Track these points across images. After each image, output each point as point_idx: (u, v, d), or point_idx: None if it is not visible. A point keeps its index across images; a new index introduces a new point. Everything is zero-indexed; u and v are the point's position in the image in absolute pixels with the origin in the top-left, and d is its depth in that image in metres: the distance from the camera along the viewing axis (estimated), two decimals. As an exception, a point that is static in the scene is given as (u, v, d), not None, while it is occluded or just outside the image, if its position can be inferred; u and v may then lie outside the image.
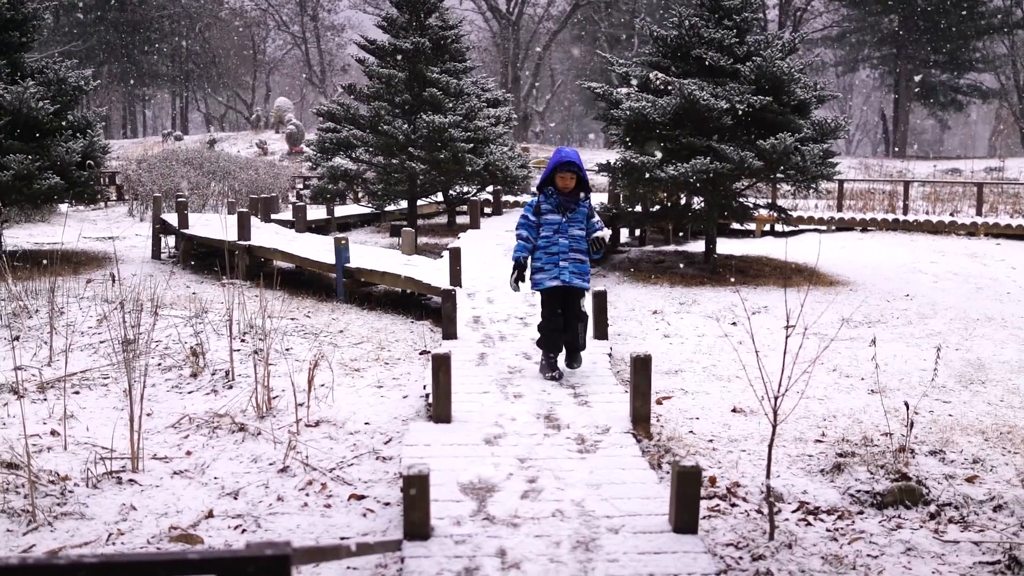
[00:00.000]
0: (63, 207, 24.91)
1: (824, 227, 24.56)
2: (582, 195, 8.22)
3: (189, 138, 56.39)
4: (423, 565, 4.57)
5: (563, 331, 8.22)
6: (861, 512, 6.02)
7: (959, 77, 62.06)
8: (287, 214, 22.90)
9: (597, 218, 8.27)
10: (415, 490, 4.76)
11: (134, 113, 78.70)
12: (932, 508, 6.06)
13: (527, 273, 8.28)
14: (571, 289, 8.17)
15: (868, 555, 5.33)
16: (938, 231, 23.73)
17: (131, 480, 6.52)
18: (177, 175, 30.46)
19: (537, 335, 8.60)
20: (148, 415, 7.90)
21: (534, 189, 9.87)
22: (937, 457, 7.01)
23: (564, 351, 8.34)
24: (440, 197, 24.11)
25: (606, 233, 8.37)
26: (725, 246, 19.90)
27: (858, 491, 6.26)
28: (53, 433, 7.41)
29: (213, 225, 18.12)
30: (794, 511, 6.00)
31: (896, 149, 59.87)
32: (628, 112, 15.88)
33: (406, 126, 20.26)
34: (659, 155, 15.79)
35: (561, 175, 8.07)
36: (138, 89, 72.13)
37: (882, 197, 29.68)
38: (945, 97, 62.46)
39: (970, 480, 6.56)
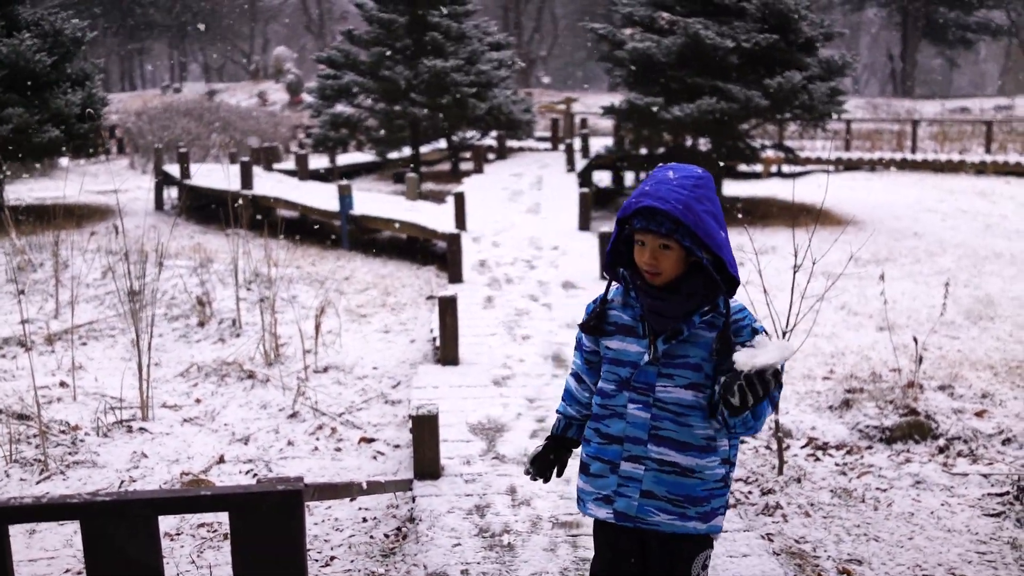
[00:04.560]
0: (64, 161, 24.75)
1: (832, 167, 24.38)
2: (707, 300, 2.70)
3: (188, 90, 55.92)
4: (434, 503, 4.59)
5: None
6: (870, 447, 6.02)
7: (968, 14, 61.11)
8: (289, 163, 22.76)
9: (757, 340, 2.54)
10: (425, 430, 4.77)
11: (132, 66, 78.06)
12: (941, 442, 6.06)
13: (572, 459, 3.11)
14: (646, 534, 2.78)
15: (877, 488, 5.34)
16: (947, 170, 23.53)
17: (141, 428, 6.54)
18: (177, 127, 30.27)
19: None
20: (156, 364, 7.91)
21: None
22: (946, 392, 7.00)
23: None
24: (443, 143, 23.95)
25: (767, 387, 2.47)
26: (732, 188, 19.77)
27: (867, 426, 6.26)
28: (62, 384, 7.44)
29: (215, 175, 18.03)
30: (803, 447, 6.00)
31: (904, 89, 59.25)
32: (632, 53, 15.69)
33: (407, 71, 20.06)
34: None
35: (641, 236, 2.63)
36: (135, 42, 71.46)
37: (890, 137, 29.41)
38: (954, 35, 61.55)
39: (979, 414, 6.56)
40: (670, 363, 2.62)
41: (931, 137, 29.63)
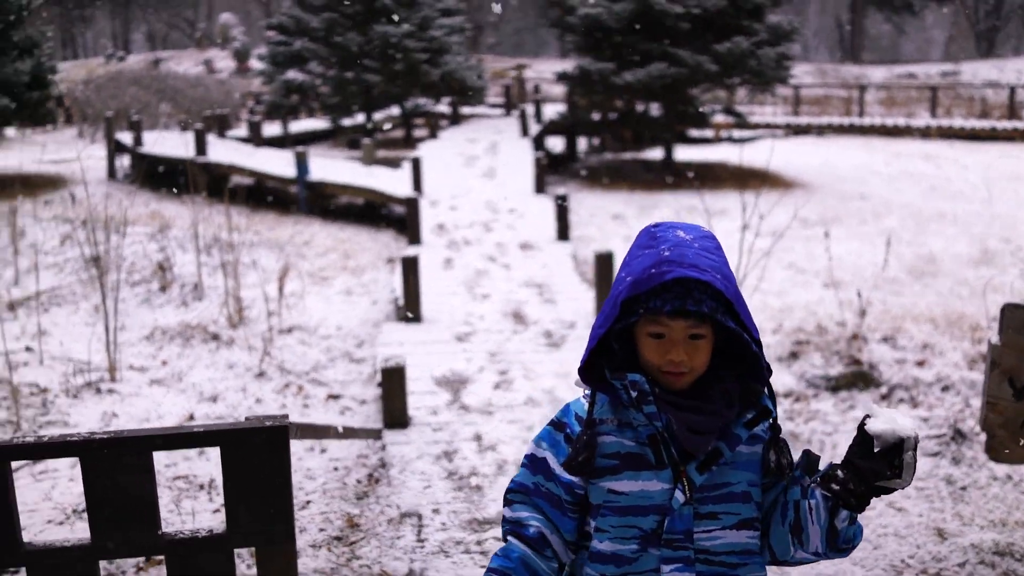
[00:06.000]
0: (10, 131, 24.42)
1: (781, 132, 24.77)
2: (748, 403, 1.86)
3: (132, 58, 54.98)
4: (404, 450, 4.80)
5: None
6: (816, 395, 6.32)
7: (914, -20, 61.80)
8: (241, 131, 22.66)
9: (871, 408, 1.74)
10: (394, 382, 4.96)
11: (73, 34, 76.54)
12: (884, 390, 6.38)
13: None
14: None
15: (823, 432, 5.64)
16: (893, 134, 24.02)
17: (110, 390, 6.66)
18: (126, 95, 29.90)
19: None
20: (121, 328, 8.00)
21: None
22: (889, 344, 7.33)
23: None
24: (396, 110, 23.96)
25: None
26: (683, 152, 20.06)
27: (813, 376, 6.56)
28: (28, 349, 7.50)
29: (169, 143, 17.92)
30: (753, 395, 6.28)
31: (852, 55, 59.94)
32: (583, 18, 15.84)
33: (359, 37, 20.03)
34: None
35: (661, 325, 1.78)
36: (76, 9, 69.98)
37: (839, 102, 29.88)
38: (900, 1, 62.32)
39: (920, 364, 6.89)
40: (709, 497, 1.82)
41: (879, 102, 30.15)
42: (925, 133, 23.75)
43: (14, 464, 2.87)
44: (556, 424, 1.91)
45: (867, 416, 1.71)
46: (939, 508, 4.60)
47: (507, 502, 1.96)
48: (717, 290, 1.73)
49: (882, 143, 22.69)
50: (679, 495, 1.79)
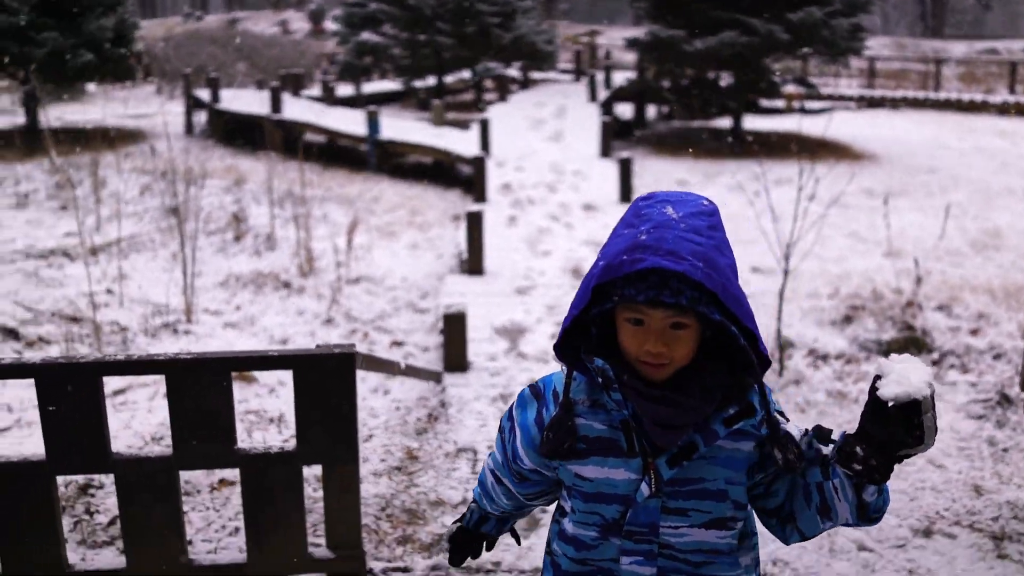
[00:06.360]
0: (91, 86, 25.13)
1: (854, 104, 24.45)
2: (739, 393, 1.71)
3: (210, 18, 55.84)
4: (462, 392, 5.06)
5: None
6: (867, 357, 6.44)
7: (1001, -49, 59.93)
8: (315, 90, 23.08)
9: (882, 366, 1.52)
10: (455, 327, 5.21)
11: (154, -8, 77.87)
12: (935, 355, 6.47)
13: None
14: None
15: (870, 393, 5.76)
16: (969, 110, 23.55)
17: (186, 331, 7.03)
18: (203, 53, 30.52)
19: None
20: (197, 275, 8.38)
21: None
22: (944, 312, 7.39)
23: None
24: (467, 74, 24.17)
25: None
26: (752, 122, 19.94)
27: (865, 340, 6.68)
28: (108, 291, 7.91)
29: (245, 100, 18.38)
30: (804, 356, 6.43)
31: (933, 29, 58.51)
32: (656, -15, 15.86)
33: (432, 1, 20.24)
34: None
35: (639, 312, 1.63)
36: (159, -32, 71.14)
37: (916, 77, 29.31)
38: (986, -27, 60.52)
39: (974, 332, 6.95)
40: (679, 492, 1.73)
41: (958, 78, 29.51)
42: (1002, 110, 23.26)
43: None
44: (534, 390, 1.85)
45: (877, 377, 1.52)
46: (979, 467, 4.72)
47: (484, 473, 2.04)
48: (704, 269, 1.56)
49: (957, 118, 22.30)
50: (644, 488, 1.70)
